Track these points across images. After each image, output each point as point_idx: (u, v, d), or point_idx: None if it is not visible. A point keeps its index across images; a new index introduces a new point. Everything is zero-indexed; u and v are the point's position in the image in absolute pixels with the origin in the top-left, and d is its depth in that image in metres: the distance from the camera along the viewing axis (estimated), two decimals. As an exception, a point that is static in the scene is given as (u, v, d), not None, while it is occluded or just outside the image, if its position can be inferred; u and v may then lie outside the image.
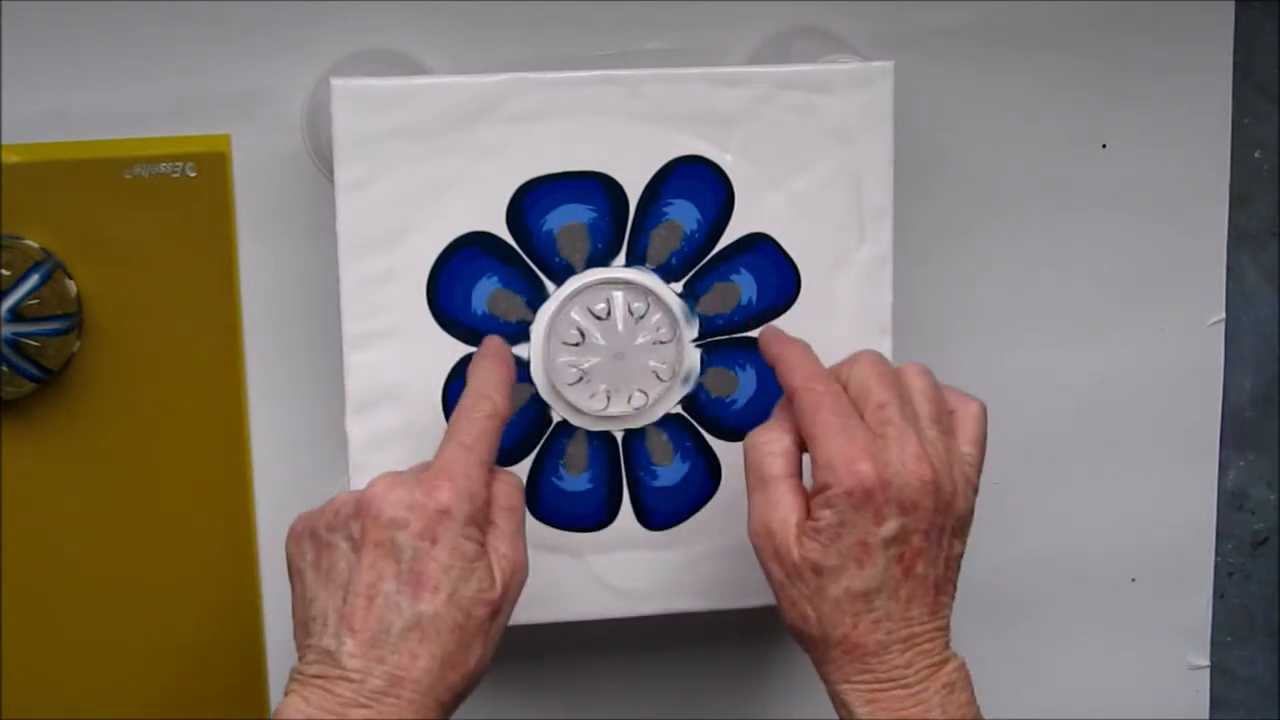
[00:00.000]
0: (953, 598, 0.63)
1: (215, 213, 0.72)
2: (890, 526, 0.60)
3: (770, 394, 0.70)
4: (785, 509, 0.62)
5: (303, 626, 0.61)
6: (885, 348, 0.71)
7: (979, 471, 0.64)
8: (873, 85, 0.69)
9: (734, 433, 0.71)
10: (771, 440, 0.63)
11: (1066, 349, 0.81)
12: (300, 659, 0.60)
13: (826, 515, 0.60)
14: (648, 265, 0.69)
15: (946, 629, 0.62)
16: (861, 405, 0.63)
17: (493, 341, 0.66)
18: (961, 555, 0.63)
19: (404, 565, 0.59)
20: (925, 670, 0.61)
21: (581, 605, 0.71)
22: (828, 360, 0.71)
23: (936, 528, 0.61)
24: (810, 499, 0.62)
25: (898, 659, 0.61)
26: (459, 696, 0.61)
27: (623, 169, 0.68)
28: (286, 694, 0.59)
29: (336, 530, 0.60)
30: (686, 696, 0.82)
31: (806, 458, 0.63)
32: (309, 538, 0.62)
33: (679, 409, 0.70)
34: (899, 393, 0.63)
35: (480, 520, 0.60)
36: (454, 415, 0.63)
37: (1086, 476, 0.83)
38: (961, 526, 0.63)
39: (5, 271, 0.69)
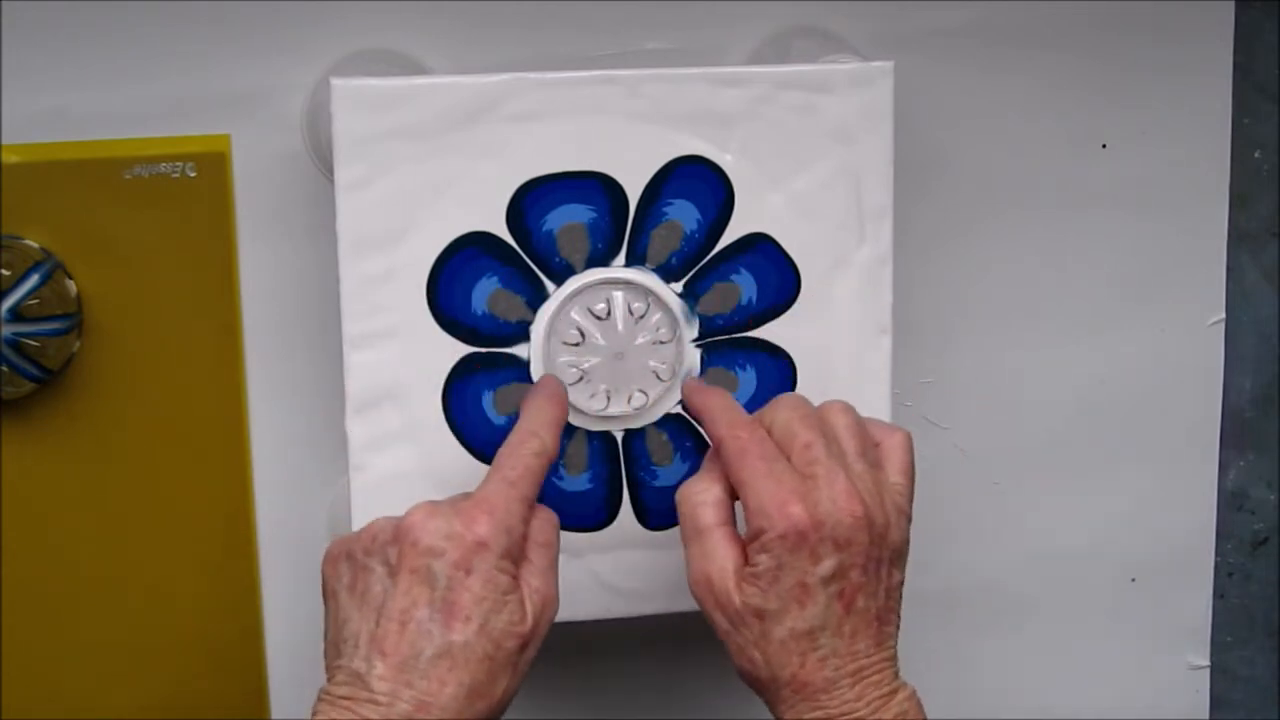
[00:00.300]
0: (897, 627, 0.64)
1: (215, 213, 0.72)
2: (827, 565, 0.61)
3: (770, 394, 0.70)
4: (722, 558, 0.62)
5: (334, 647, 0.61)
6: (885, 348, 0.71)
7: (910, 500, 0.65)
8: (873, 85, 0.69)
9: (734, 433, 0.71)
10: (702, 490, 0.64)
11: (1066, 349, 0.81)
12: (329, 679, 0.61)
13: (763, 560, 0.61)
14: (648, 265, 0.69)
15: (894, 659, 0.63)
16: (787, 448, 0.63)
17: (549, 381, 0.67)
18: (901, 584, 0.64)
19: (438, 593, 0.59)
20: (877, 702, 0.61)
21: (581, 605, 0.71)
22: (828, 361, 0.71)
23: (874, 560, 0.62)
24: (746, 545, 0.62)
25: (848, 693, 0.61)
26: None
27: (623, 169, 0.68)
28: (314, 714, 0.60)
29: (373, 554, 0.61)
30: (687, 696, 0.82)
31: (740, 505, 0.64)
32: (345, 560, 0.62)
33: (679, 409, 0.70)
34: (823, 431, 0.63)
35: (516, 554, 0.61)
36: (501, 449, 0.63)
37: (1087, 476, 0.83)
38: (898, 556, 0.64)
39: (5, 271, 0.69)
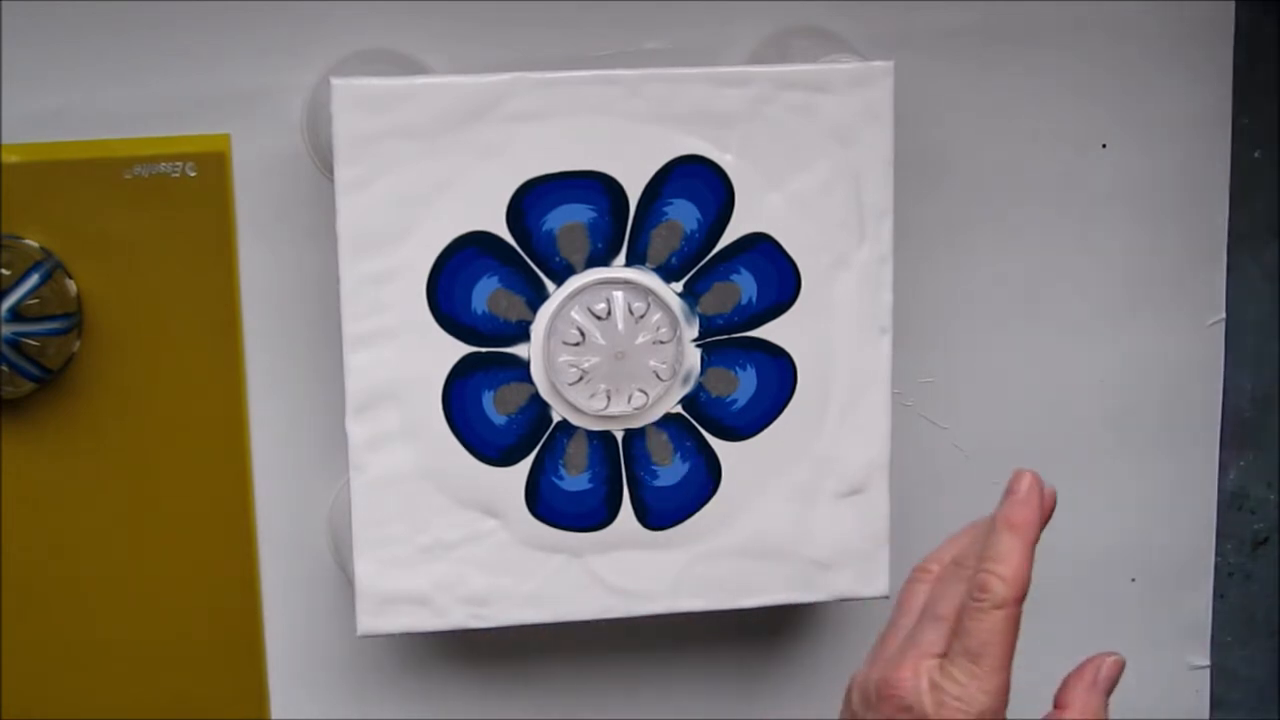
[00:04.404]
0: None
1: (215, 213, 0.72)
2: None
3: (770, 394, 0.70)
4: None
5: None
6: (885, 348, 0.71)
7: None
8: (873, 85, 0.69)
9: (734, 432, 0.71)
10: None
11: (1066, 349, 0.81)
12: None
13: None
14: (648, 265, 0.69)
15: None
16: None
17: (1026, 481, 0.60)
18: None
19: None
20: None
21: (581, 605, 0.71)
22: (828, 361, 0.71)
23: None
24: None
25: None
26: None
27: (623, 169, 0.68)
28: None
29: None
30: (686, 696, 0.82)
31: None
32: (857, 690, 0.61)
33: (679, 409, 0.70)
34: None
35: None
36: (969, 604, 0.58)
37: (1087, 476, 0.83)
38: None
39: (5, 271, 0.69)
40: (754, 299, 0.70)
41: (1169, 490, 0.84)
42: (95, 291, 0.72)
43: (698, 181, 0.68)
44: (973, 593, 0.58)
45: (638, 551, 0.71)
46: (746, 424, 0.71)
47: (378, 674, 0.78)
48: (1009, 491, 0.60)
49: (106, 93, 0.71)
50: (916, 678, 0.58)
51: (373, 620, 0.69)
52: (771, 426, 0.71)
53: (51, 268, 0.70)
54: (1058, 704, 0.62)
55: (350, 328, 0.67)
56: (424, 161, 0.67)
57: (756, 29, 0.75)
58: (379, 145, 0.66)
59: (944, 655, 0.58)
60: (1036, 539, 0.59)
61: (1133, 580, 0.84)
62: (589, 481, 0.70)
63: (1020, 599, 0.57)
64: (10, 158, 0.70)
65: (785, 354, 0.70)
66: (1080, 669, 0.62)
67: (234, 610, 0.76)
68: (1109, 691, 0.62)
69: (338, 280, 0.67)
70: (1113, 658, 0.62)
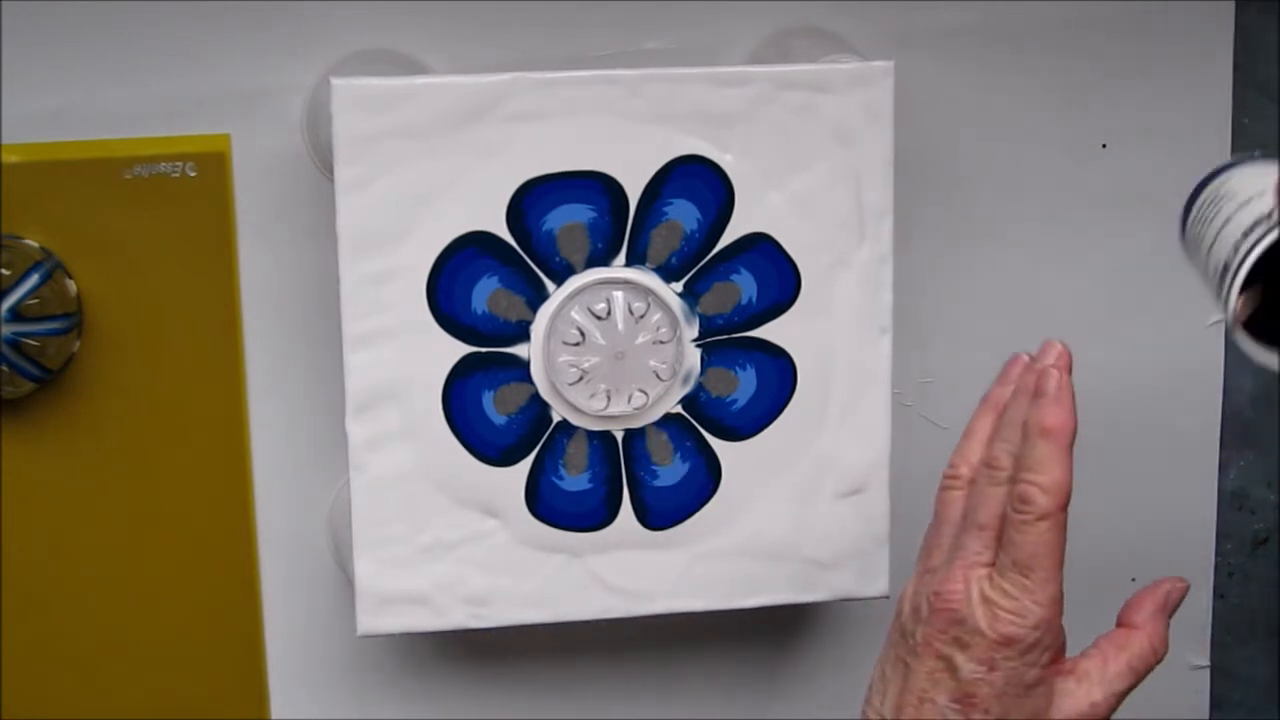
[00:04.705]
0: None
1: (215, 213, 0.72)
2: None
3: (770, 394, 0.70)
4: None
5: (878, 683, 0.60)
6: (885, 348, 0.71)
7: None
8: (873, 85, 0.69)
9: (734, 432, 0.71)
10: None
11: (1066, 349, 0.81)
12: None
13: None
14: (648, 265, 0.69)
15: None
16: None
17: (1055, 379, 0.58)
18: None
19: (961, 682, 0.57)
20: None
21: (581, 605, 0.71)
22: (828, 361, 0.71)
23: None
24: None
25: None
26: None
27: (623, 169, 0.68)
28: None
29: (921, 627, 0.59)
30: (686, 697, 0.82)
31: None
32: (909, 600, 0.60)
33: (679, 409, 0.70)
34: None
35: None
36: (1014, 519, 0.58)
37: (1087, 476, 0.82)
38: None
39: (5, 271, 0.69)
40: (754, 299, 0.70)
41: (1169, 490, 0.84)
42: (95, 291, 0.72)
43: (698, 181, 0.68)
44: (1014, 504, 0.57)
45: (638, 551, 0.71)
46: (746, 424, 0.71)
47: (378, 674, 0.78)
48: (1038, 391, 0.59)
49: (106, 93, 0.71)
50: (967, 589, 0.57)
51: (373, 620, 0.69)
52: (771, 426, 0.71)
53: (51, 268, 0.70)
54: (1122, 623, 0.62)
55: (350, 328, 0.67)
56: (424, 161, 0.67)
57: (756, 29, 0.75)
58: (379, 145, 0.66)
59: (991, 565, 0.58)
60: (1073, 440, 0.57)
61: (1133, 580, 0.84)
62: (589, 481, 0.70)
63: (1064, 506, 0.56)
64: (10, 158, 0.70)
65: (785, 354, 0.71)
66: (1150, 590, 0.62)
67: (234, 610, 0.76)
68: (1171, 616, 0.62)
69: (338, 280, 0.67)
70: (1181, 583, 0.62)
